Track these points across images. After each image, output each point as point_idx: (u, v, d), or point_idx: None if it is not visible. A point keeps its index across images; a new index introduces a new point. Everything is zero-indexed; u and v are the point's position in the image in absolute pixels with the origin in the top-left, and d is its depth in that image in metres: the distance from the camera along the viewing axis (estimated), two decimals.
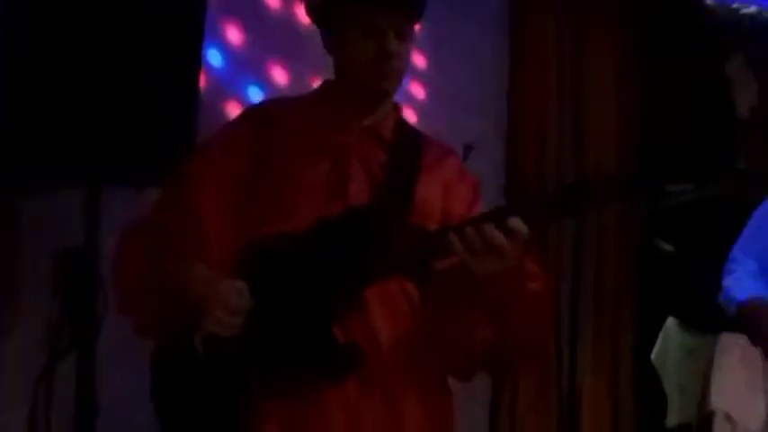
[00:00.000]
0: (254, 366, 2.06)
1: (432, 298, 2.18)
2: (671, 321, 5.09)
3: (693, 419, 4.74)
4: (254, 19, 4.37)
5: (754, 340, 3.24)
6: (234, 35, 4.30)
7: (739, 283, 2.74)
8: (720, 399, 4.59)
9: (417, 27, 2.39)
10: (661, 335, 5.14)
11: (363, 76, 2.27)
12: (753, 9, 5.74)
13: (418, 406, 2.16)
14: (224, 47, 4.25)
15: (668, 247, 5.26)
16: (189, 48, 3.27)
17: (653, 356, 5.16)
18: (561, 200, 2.06)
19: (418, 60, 4.66)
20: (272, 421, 2.07)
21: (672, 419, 4.89)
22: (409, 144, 2.34)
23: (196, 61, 3.33)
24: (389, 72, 2.27)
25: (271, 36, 4.39)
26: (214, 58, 4.17)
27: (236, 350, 2.05)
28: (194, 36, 3.28)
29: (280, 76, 4.51)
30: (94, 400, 2.99)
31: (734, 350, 4.62)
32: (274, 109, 2.39)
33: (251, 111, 2.43)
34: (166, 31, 3.15)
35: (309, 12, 2.39)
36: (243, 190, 2.23)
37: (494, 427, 5.04)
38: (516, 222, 1.95)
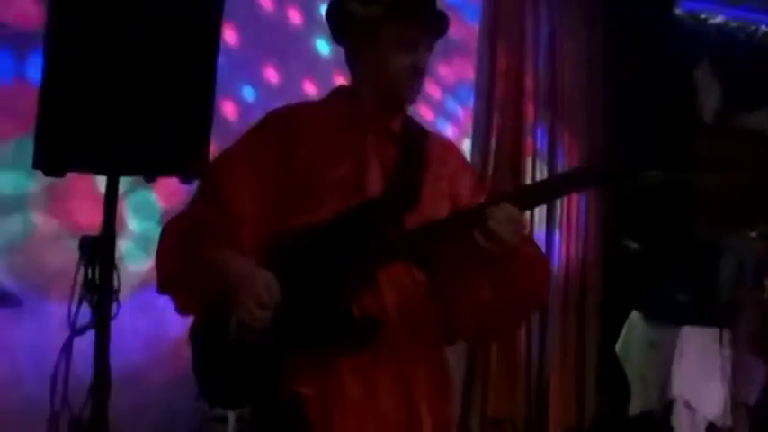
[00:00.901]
0: (284, 342, 2.28)
1: (433, 276, 2.38)
2: (635, 315, 5.23)
3: (655, 407, 4.96)
4: (248, 20, 4.48)
5: None
6: (229, 36, 4.38)
7: None
8: (680, 387, 4.81)
9: None
10: (625, 328, 5.29)
11: (396, 89, 2.42)
12: (719, 19, 5.98)
13: (425, 372, 2.37)
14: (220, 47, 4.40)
15: (634, 246, 5.43)
16: (205, 49, 3.31)
17: (617, 348, 5.31)
18: (555, 185, 2.31)
19: None
20: (305, 386, 2.29)
21: (634, 407, 5.06)
22: (415, 139, 2.51)
23: (212, 62, 3.35)
24: (419, 86, 2.45)
25: (264, 37, 4.51)
26: None
27: (264, 337, 2.26)
28: (210, 37, 3.33)
29: (272, 76, 4.63)
30: (108, 371, 3.18)
31: (694, 342, 4.84)
32: (297, 113, 2.53)
33: (276, 114, 2.55)
34: (184, 32, 3.22)
35: (335, 27, 2.50)
36: (272, 185, 2.40)
37: (465, 416, 5.30)
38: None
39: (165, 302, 2.56)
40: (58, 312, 3.31)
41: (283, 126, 2.48)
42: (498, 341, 5.07)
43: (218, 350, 2.34)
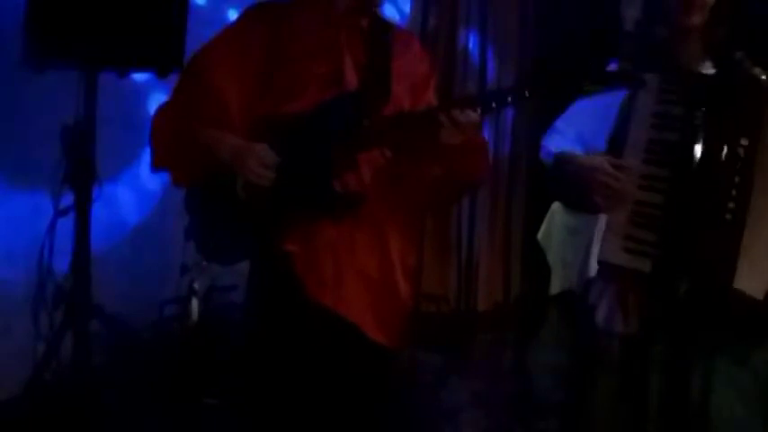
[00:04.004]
0: (280, 206, 2.64)
1: (401, 155, 2.73)
2: (556, 205, 5.57)
3: (574, 286, 5.33)
4: None
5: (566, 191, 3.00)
6: None
7: (555, 143, 2.85)
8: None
9: None
10: (547, 217, 5.64)
11: None
12: None
13: (397, 233, 2.78)
14: None
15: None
16: None
17: (539, 236, 5.64)
18: (503, 94, 2.63)
19: None
20: (293, 242, 2.66)
21: (555, 288, 5.43)
22: (382, 35, 2.81)
23: None
24: None
25: None
26: None
27: (267, 196, 2.62)
28: None
29: None
30: (88, 253, 3.51)
31: None
32: (277, 9, 2.80)
33: (256, 9, 2.82)
34: None
35: None
36: (255, 73, 2.70)
37: None
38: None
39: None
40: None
41: (264, 19, 2.75)
42: (437, 211, 5.46)
43: (220, 211, 2.69)
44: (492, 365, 5.36)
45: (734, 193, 2.60)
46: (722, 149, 2.61)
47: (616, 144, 2.74)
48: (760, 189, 2.61)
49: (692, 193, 2.62)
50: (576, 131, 2.89)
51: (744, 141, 2.60)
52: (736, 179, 2.60)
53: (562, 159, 2.82)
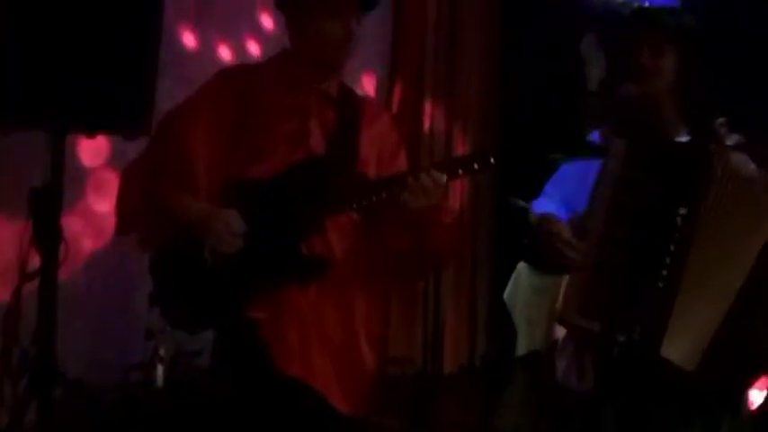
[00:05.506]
0: (246, 273, 2.65)
1: (369, 224, 2.77)
2: (522, 265, 5.60)
3: (540, 347, 5.34)
4: None
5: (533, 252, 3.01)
6: None
7: (541, 206, 2.91)
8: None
9: None
10: (513, 276, 5.65)
11: (330, 52, 2.76)
12: None
13: (363, 301, 2.80)
14: None
15: (522, 204, 5.77)
16: (149, 10, 3.55)
17: (505, 296, 5.66)
18: (469, 161, 2.66)
19: None
20: (259, 309, 2.66)
21: (521, 349, 5.44)
22: (351, 103, 2.86)
23: (156, 22, 3.59)
24: (350, 50, 2.78)
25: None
26: None
27: (234, 263, 2.63)
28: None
29: (189, 40, 4.81)
30: (54, 318, 3.48)
31: None
32: (247, 72, 2.86)
33: (226, 72, 2.87)
34: None
35: None
36: (223, 138, 2.73)
37: None
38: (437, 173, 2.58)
39: None
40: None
41: (234, 83, 2.79)
42: (400, 289, 5.46)
43: (185, 277, 2.69)
44: (457, 427, 5.30)
45: (668, 261, 2.62)
46: (665, 216, 2.64)
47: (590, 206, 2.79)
48: (696, 259, 2.62)
49: (637, 257, 2.65)
50: (561, 195, 2.94)
51: (682, 210, 2.64)
52: (672, 248, 2.63)
53: (535, 221, 2.86)
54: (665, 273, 2.63)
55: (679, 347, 2.62)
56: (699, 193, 2.63)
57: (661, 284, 2.62)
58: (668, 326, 2.61)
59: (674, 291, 2.62)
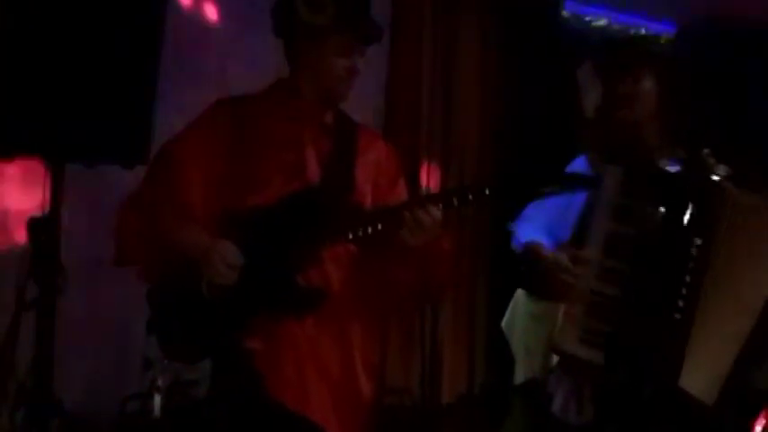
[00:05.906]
0: (243, 304, 2.64)
1: (366, 254, 2.75)
2: (519, 292, 5.59)
3: (539, 375, 5.32)
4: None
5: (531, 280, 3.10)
6: None
7: (524, 231, 2.95)
8: None
9: None
10: (511, 304, 5.64)
11: (335, 88, 2.76)
12: (602, 22, 6.43)
13: (360, 332, 2.79)
14: None
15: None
16: (148, 40, 3.55)
17: (503, 324, 5.65)
18: (464, 192, 2.64)
19: None
20: (255, 340, 2.65)
21: (519, 377, 5.42)
22: (347, 131, 2.85)
23: (154, 54, 3.60)
24: (351, 85, 2.77)
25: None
26: None
27: (231, 295, 2.62)
28: (154, 28, 3.59)
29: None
30: (52, 343, 3.47)
31: None
32: (242, 103, 2.83)
33: (223, 103, 2.84)
34: (129, 24, 3.46)
35: (280, 24, 2.76)
36: (221, 168, 2.71)
37: None
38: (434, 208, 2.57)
39: None
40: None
41: (230, 114, 2.77)
42: (398, 317, 5.52)
43: (183, 307, 2.68)
44: None
45: (684, 291, 2.62)
46: (676, 248, 2.64)
47: (580, 234, 2.78)
48: (711, 290, 2.63)
49: (645, 288, 2.64)
50: (543, 220, 2.95)
51: (698, 241, 2.63)
52: (688, 279, 2.62)
53: (527, 249, 2.85)
54: (681, 303, 2.62)
55: (697, 379, 2.61)
56: (711, 224, 2.63)
57: (678, 315, 2.59)
58: (685, 357, 2.60)
59: (690, 321, 2.60)
